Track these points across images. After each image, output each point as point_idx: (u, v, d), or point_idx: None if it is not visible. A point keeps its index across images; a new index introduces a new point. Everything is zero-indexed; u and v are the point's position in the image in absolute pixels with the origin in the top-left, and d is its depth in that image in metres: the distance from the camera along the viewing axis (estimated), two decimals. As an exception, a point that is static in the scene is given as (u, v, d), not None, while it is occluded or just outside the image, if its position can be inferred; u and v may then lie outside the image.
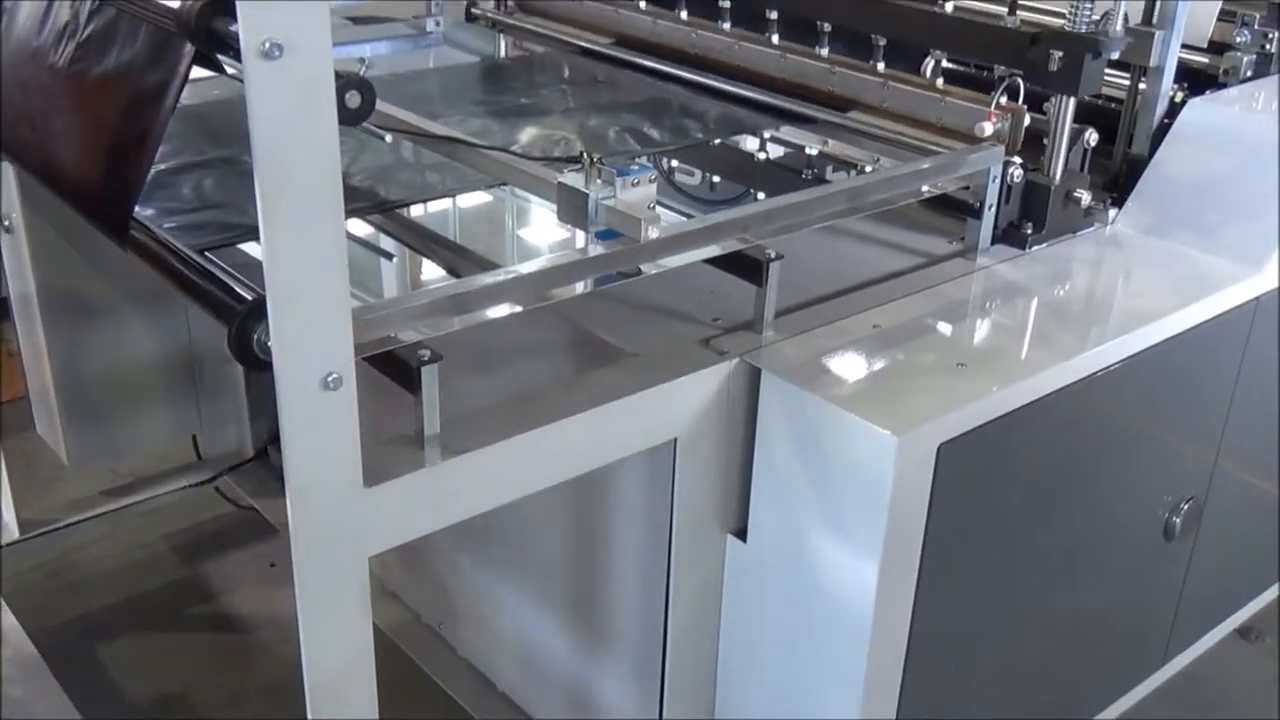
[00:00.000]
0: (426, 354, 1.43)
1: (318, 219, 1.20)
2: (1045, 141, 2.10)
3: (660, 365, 1.67)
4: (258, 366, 1.35)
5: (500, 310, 1.55)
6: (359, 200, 1.96)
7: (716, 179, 2.43)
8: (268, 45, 1.11)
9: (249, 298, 1.39)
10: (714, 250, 1.73)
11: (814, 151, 2.47)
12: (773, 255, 1.73)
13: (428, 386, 1.44)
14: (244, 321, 1.34)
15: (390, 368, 1.45)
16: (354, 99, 1.32)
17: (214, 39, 1.32)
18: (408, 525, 1.47)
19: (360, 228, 2.07)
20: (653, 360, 1.69)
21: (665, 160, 2.39)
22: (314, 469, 1.31)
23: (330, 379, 1.27)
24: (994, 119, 2.10)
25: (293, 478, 1.29)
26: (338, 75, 1.21)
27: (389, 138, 1.80)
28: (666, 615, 1.82)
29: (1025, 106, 2.11)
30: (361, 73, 1.32)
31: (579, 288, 1.63)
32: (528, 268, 1.56)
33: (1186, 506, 2.16)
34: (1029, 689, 2.10)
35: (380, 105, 1.97)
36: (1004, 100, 2.11)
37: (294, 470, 1.29)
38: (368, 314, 1.38)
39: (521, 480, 1.57)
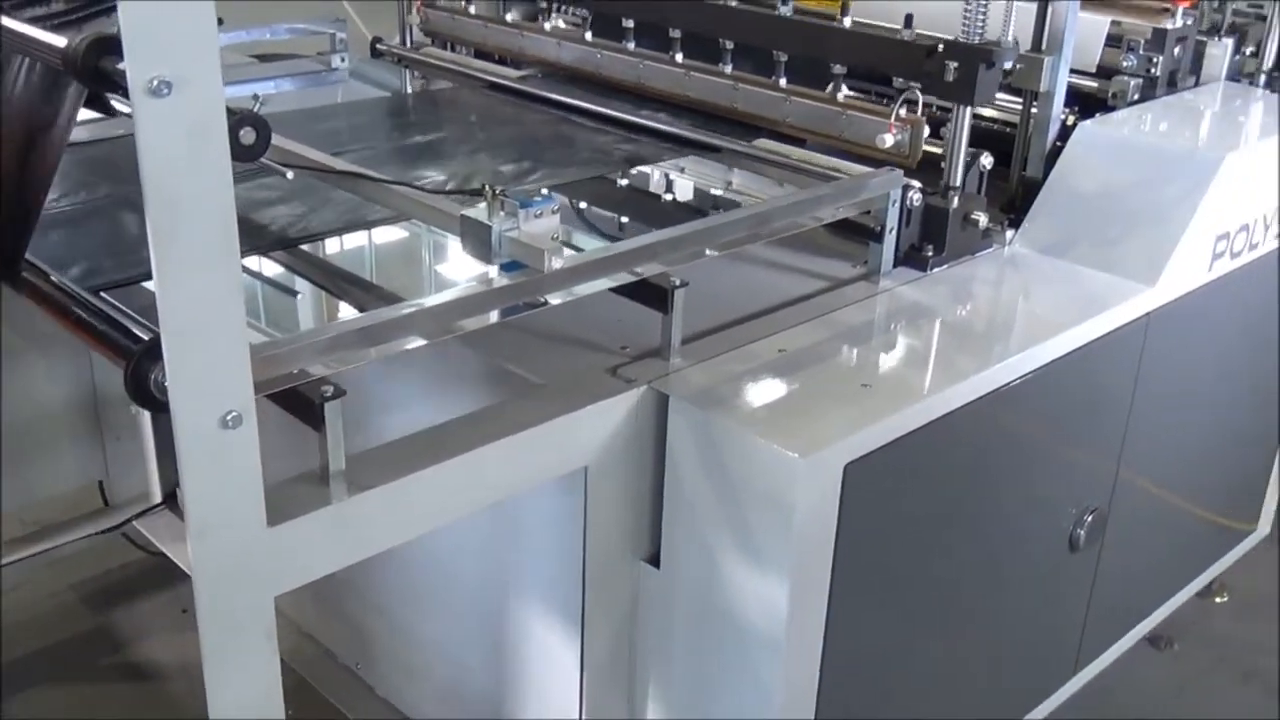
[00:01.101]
0: (329, 390, 1.42)
1: (212, 256, 1.19)
2: (943, 166, 2.15)
3: (568, 394, 1.68)
4: (156, 408, 1.33)
5: (405, 344, 1.55)
6: (262, 237, 1.94)
7: (624, 210, 2.45)
8: (156, 83, 1.10)
9: (145, 338, 1.37)
10: (619, 279, 1.75)
11: (718, 185, 2.50)
12: (677, 283, 1.75)
13: (331, 423, 1.43)
14: (140, 362, 1.32)
15: (293, 404, 1.44)
16: (249, 135, 1.31)
17: (102, 77, 1.30)
18: (314, 563, 1.46)
19: (272, 265, 2.05)
20: (561, 390, 1.70)
21: (571, 193, 2.40)
22: (215, 509, 1.29)
23: (229, 418, 1.25)
24: (894, 130, 2.15)
25: (193, 519, 1.28)
26: (231, 112, 1.20)
27: (290, 174, 1.79)
28: (583, 645, 1.82)
29: (924, 118, 2.16)
30: (256, 109, 1.31)
31: (484, 319, 1.63)
32: (431, 301, 1.56)
33: (1090, 518, 2.21)
34: (943, 703, 2.13)
35: (284, 142, 1.99)
36: (903, 113, 2.16)
37: (194, 511, 1.27)
38: (267, 351, 1.37)
39: (430, 514, 1.56)
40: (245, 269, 1.98)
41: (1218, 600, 3.12)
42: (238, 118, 1.27)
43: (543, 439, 1.62)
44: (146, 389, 1.33)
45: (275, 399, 1.43)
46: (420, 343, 1.56)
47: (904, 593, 1.90)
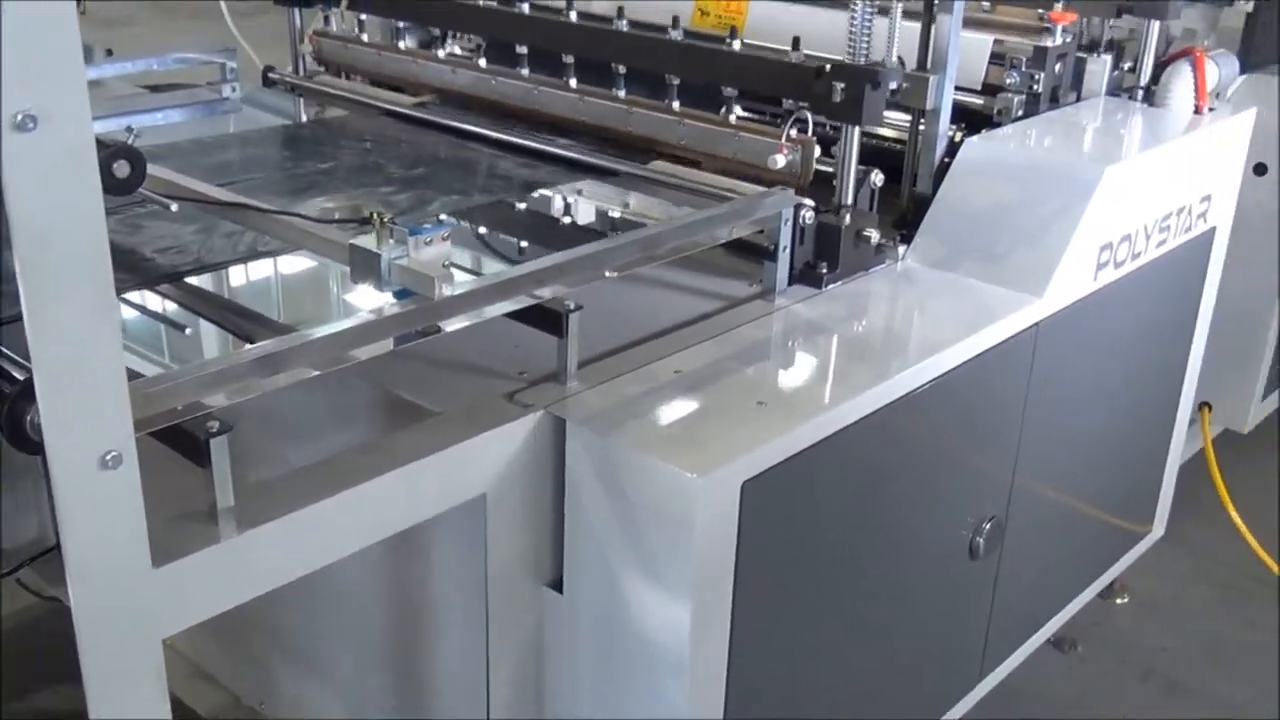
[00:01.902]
0: (215, 426, 1.39)
1: (85, 292, 1.16)
2: (835, 184, 2.19)
3: (464, 422, 1.67)
4: (34, 451, 1.29)
5: (296, 376, 1.52)
6: (148, 271, 1.90)
7: (524, 234, 2.45)
8: (20, 117, 1.08)
9: (21, 378, 1.33)
10: (513, 304, 1.74)
11: (616, 207, 2.51)
12: (572, 306, 1.75)
13: (218, 459, 1.40)
14: (15, 403, 1.28)
15: (178, 441, 1.41)
16: (123, 168, 1.29)
17: (-33, 112, 1.27)
18: (204, 604, 1.42)
19: (169, 300, 2.01)
20: (457, 417, 1.69)
21: (469, 218, 2.40)
22: (96, 552, 1.26)
23: (109, 457, 1.22)
24: (785, 151, 2.18)
25: (73, 562, 1.25)
26: (104, 144, 1.18)
27: (174, 206, 1.76)
28: (488, 671, 1.80)
29: (814, 139, 2.19)
30: (130, 141, 1.29)
31: (377, 348, 1.61)
32: (320, 331, 1.54)
33: (988, 526, 2.25)
34: (851, 713, 2.14)
35: (168, 173, 1.95)
36: (794, 133, 2.20)
37: (74, 554, 1.24)
38: (149, 387, 1.34)
39: (325, 548, 1.53)
40: (137, 305, 1.95)
41: (1119, 601, 3.20)
42: (110, 151, 1.25)
43: (439, 467, 1.60)
44: (23, 431, 1.29)
45: (159, 436, 1.39)
46: (311, 374, 1.54)
47: (807, 606, 1.91)
